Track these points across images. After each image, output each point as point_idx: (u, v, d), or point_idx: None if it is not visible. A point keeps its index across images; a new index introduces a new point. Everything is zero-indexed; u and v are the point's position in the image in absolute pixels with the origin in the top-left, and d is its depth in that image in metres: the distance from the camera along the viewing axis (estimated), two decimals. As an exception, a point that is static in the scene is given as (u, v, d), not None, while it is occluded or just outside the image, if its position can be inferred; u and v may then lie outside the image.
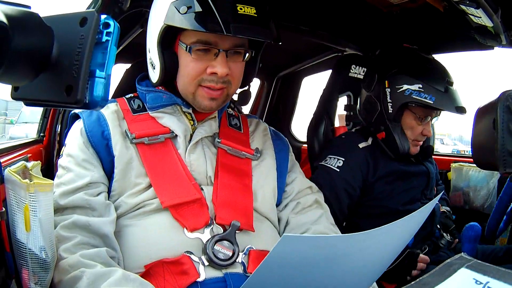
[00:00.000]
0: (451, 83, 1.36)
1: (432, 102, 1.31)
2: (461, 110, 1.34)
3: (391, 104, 1.39)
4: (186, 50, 0.92)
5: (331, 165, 1.44)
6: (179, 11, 0.87)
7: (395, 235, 0.65)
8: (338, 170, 1.42)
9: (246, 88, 1.12)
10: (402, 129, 1.42)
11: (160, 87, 1.03)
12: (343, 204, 1.40)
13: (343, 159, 1.44)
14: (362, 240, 0.58)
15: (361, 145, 1.47)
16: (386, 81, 1.40)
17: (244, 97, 1.08)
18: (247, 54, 0.97)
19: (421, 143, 1.47)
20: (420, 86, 1.33)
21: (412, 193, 1.46)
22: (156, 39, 0.93)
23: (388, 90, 1.39)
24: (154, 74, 0.99)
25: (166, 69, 0.95)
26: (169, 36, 0.94)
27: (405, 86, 1.35)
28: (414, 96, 1.33)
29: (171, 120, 0.99)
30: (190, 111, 1.01)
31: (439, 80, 1.35)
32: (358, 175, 1.42)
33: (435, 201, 0.70)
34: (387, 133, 1.43)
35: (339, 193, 1.40)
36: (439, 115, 1.46)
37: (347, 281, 0.64)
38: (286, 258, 0.53)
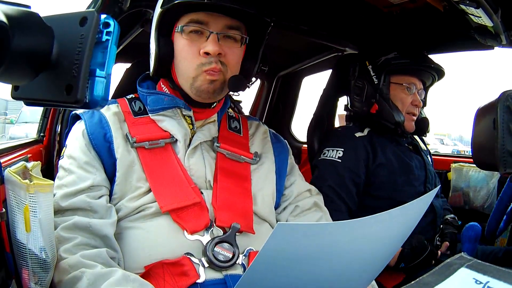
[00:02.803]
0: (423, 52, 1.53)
1: (409, 61, 1.45)
2: (438, 67, 1.46)
3: (375, 76, 1.49)
4: (179, 31, 0.96)
5: (332, 157, 1.46)
6: None
7: (394, 224, 0.64)
8: (340, 160, 1.44)
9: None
10: (393, 102, 1.48)
11: (162, 86, 1.04)
12: (353, 193, 1.43)
13: (342, 149, 1.46)
14: (358, 227, 0.57)
15: (357, 135, 1.51)
16: (366, 61, 1.52)
17: (236, 81, 0.99)
18: (243, 43, 0.99)
19: (415, 118, 1.52)
20: (396, 53, 1.47)
21: (415, 186, 1.48)
22: (154, 26, 0.97)
23: (370, 67, 1.51)
24: (151, 64, 1.01)
25: (160, 55, 0.97)
26: (167, 26, 0.98)
27: (383, 58, 1.48)
28: (392, 62, 1.46)
29: (171, 124, 0.99)
30: (191, 113, 1.01)
31: (412, 47, 1.51)
32: (360, 161, 1.45)
33: (435, 191, 0.71)
34: (379, 105, 1.49)
35: (348, 183, 1.42)
36: (424, 89, 1.55)
37: (346, 274, 0.63)
38: (282, 248, 0.52)
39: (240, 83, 1.00)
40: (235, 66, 1.00)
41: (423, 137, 1.69)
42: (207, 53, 0.94)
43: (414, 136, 1.65)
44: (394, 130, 1.50)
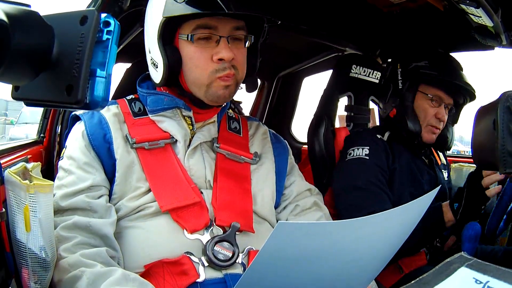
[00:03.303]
0: (460, 66, 1.47)
1: (436, 74, 1.41)
2: (465, 86, 1.40)
3: (401, 81, 1.48)
4: (188, 39, 0.92)
5: (359, 155, 1.46)
6: (176, 1, 0.89)
7: (394, 224, 0.64)
8: (368, 157, 1.44)
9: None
10: (415, 112, 1.46)
11: (162, 89, 1.03)
12: (385, 184, 1.42)
13: (368, 147, 1.46)
14: (358, 227, 0.57)
15: (378, 136, 1.51)
16: (398, 64, 1.51)
17: (252, 84, 1.03)
18: (248, 42, 0.99)
19: (438, 131, 1.48)
20: (426, 62, 1.44)
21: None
22: (156, 36, 0.93)
23: (399, 70, 1.50)
24: (157, 74, 0.97)
25: (169, 64, 0.93)
26: (168, 32, 0.94)
27: (413, 64, 1.46)
28: (421, 71, 1.43)
29: (171, 125, 0.99)
30: (191, 114, 1.00)
31: (445, 59, 1.48)
32: (383, 158, 1.45)
33: (435, 191, 0.71)
34: (398, 110, 1.48)
35: (379, 176, 1.41)
36: (457, 107, 1.52)
37: (346, 273, 0.63)
38: (282, 247, 0.52)
39: (255, 83, 1.01)
40: (244, 66, 1.00)
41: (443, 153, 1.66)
42: (220, 59, 0.92)
43: (434, 150, 1.61)
44: (411, 140, 1.49)
